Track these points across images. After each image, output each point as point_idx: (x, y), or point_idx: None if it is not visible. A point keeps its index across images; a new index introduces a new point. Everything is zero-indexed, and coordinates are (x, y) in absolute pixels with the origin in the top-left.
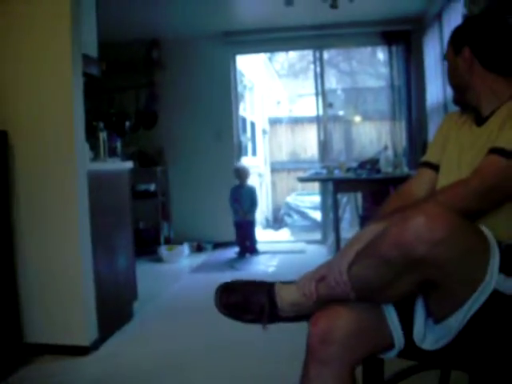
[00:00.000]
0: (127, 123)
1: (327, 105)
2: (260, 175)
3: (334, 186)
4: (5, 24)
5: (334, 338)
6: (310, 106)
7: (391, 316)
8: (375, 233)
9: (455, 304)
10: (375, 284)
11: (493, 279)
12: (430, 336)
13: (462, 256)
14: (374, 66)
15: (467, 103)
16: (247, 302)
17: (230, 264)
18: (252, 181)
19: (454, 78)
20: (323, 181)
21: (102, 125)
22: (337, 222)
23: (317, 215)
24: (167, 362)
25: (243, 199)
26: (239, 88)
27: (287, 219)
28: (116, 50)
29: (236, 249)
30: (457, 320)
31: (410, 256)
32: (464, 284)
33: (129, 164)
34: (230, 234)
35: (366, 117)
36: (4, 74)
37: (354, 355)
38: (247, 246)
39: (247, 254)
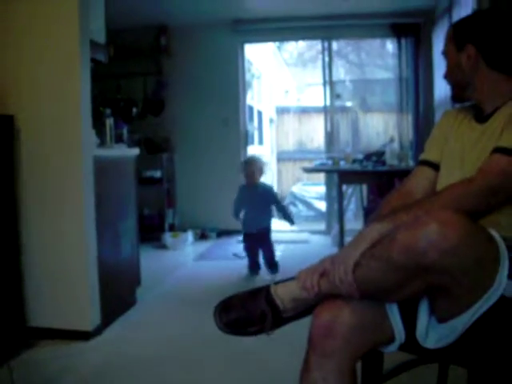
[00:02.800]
0: (134, 110)
1: (335, 95)
2: (266, 164)
3: (340, 177)
4: (11, 10)
5: (337, 331)
6: (317, 96)
7: (394, 313)
8: (381, 233)
9: (461, 307)
10: (382, 286)
11: (501, 286)
12: (432, 334)
13: (472, 264)
14: (382, 57)
15: (466, 100)
16: (247, 314)
17: (234, 253)
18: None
19: (455, 74)
20: (329, 172)
21: (108, 111)
22: (341, 213)
23: (322, 206)
24: (169, 349)
25: (257, 203)
26: (247, 76)
27: (292, 209)
28: (124, 36)
29: (239, 238)
30: (461, 322)
31: (421, 262)
32: (472, 290)
33: (135, 150)
34: (235, 222)
35: (374, 108)
36: (11, 59)
37: (356, 349)
38: (260, 260)
39: (260, 271)
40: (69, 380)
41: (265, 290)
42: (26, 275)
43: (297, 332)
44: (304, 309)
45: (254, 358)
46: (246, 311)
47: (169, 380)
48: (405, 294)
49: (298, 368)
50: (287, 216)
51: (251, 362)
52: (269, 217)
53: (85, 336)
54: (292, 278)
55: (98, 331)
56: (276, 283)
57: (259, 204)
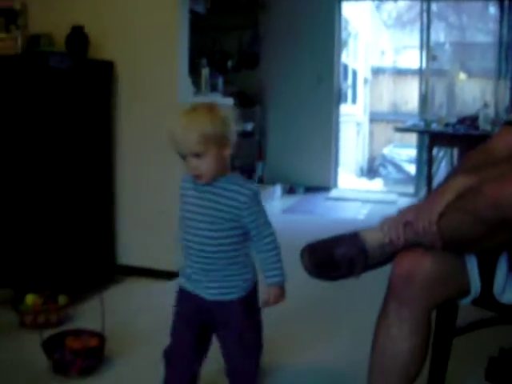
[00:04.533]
0: (229, 63)
1: (431, 57)
2: (358, 124)
3: (430, 139)
4: None
5: (416, 279)
6: (414, 59)
7: (472, 265)
8: (466, 186)
9: None
10: (464, 238)
11: None
12: (510, 290)
13: None
14: (484, 20)
15: None
16: (335, 258)
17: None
18: (350, 130)
19: None
20: (420, 132)
21: (204, 61)
22: (430, 175)
23: (412, 169)
24: None
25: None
26: (343, 35)
27: (382, 170)
28: None
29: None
30: None
31: (506, 217)
32: None
33: (229, 100)
34: (323, 178)
35: (471, 73)
36: (112, 8)
37: (433, 299)
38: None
39: None
40: (152, 314)
41: (353, 236)
42: (117, 215)
43: (377, 278)
44: (388, 256)
45: (333, 304)
46: (334, 255)
47: None
48: (487, 245)
49: (376, 314)
50: None
51: (330, 309)
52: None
53: (170, 275)
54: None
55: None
56: (365, 230)
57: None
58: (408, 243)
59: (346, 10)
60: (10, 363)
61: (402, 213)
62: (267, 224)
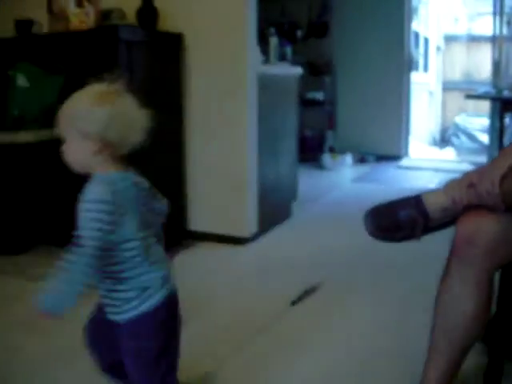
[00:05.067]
0: (298, 32)
1: (506, 23)
2: (430, 93)
3: (501, 106)
4: None
5: (480, 240)
6: (489, 26)
7: None
8: None
9: None
10: None
11: None
12: None
13: None
14: None
15: None
16: (397, 220)
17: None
18: (421, 99)
19: None
20: (491, 99)
21: (273, 30)
22: (501, 143)
23: (485, 138)
24: (320, 256)
25: None
26: (414, 2)
27: (454, 140)
28: None
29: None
30: None
31: None
32: None
33: (298, 69)
34: (394, 148)
35: None
36: None
37: (496, 259)
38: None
39: None
40: (223, 277)
41: (415, 199)
42: (188, 181)
43: (440, 240)
44: (451, 219)
45: (396, 266)
46: (396, 217)
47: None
48: None
49: (439, 276)
50: None
51: (392, 271)
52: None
53: (241, 241)
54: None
55: (253, 238)
56: (427, 193)
57: None
58: (471, 205)
59: None
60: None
61: (466, 175)
62: (83, 239)
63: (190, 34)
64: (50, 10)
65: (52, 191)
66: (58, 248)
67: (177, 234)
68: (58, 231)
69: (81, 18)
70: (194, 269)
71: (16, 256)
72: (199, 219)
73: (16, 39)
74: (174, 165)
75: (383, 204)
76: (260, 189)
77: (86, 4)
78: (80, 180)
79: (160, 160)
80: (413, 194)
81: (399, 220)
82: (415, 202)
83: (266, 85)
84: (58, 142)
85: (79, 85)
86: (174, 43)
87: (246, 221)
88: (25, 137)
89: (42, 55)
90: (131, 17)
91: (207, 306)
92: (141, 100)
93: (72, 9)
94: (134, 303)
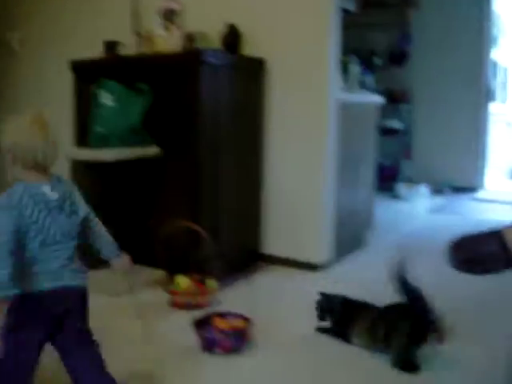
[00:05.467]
0: (378, 60)
1: None
2: (508, 124)
3: None
4: None
5: None
6: None
7: None
8: None
9: None
10: None
11: None
12: None
13: None
14: None
15: None
16: (479, 254)
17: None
18: (499, 130)
19: None
20: None
21: (354, 58)
22: None
23: None
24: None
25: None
26: (493, 31)
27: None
28: None
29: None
30: None
31: None
32: None
33: (378, 98)
34: (470, 179)
35: None
36: (264, 6)
37: None
38: None
39: None
40: (295, 302)
41: (496, 233)
42: (264, 205)
43: None
44: None
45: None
46: (479, 251)
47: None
48: None
49: None
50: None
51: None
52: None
53: (315, 267)
54: None
55: (326, 265)
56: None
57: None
58: None
59: (497, 4)
60: (161, 339)
61: None
62: None
63: (273, 59)
64: (136, 33)
65: (130, 208)
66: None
67: (250, 257)
68: (133, 249)
69: (167, 41)
70: (266, 292)
71: (94, 271)
72: (273, 243)
73: (103, 59)
74: (251, 187)
75: (465, 237)
76: (336, 215)
77: (171, 27)
78: (156, 199)
79: (238, 181)
80: (492, 227)
81: (482, 254)
82: (495, 236)
83: (346, 112)
84: (140, 161)
85: (163, 105)
86: (257, 67)
87: (321, 247)
88: (108, 154)
89: (128, 75)
90: (215, 40)
91: (278, 329)
92: (224, 121)
93: (159, 32)
94: None
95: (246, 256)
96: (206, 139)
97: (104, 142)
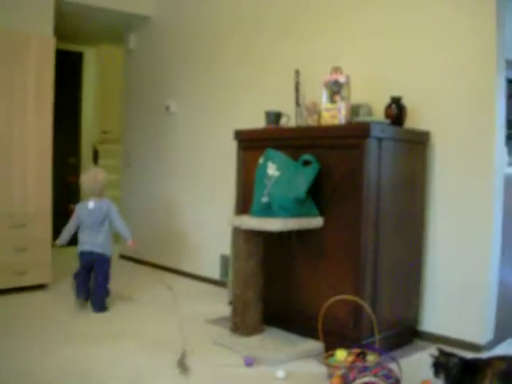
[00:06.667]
0: None
1: None
2: None
3: None
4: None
5: None
6: None
7: None
8: None
9: None
10: None
11: None
12: None
13: None
14: None
15: None
16: None
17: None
18: None
19: None
20: None
21: None
22: None
23: None
24: None
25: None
26: None
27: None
28: None
29: None
30: None
31: None
32: None
33: None
34: None
35: None
36: (428, 80)
37: None
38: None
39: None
40: None
41: None
42: (424, 280)
43: None
44: None
45: None
46: None
47: None
48: None
49: None
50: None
51: None
52: (104, 238)
53: (475, 348)
54: None
55: (489, 346)
56: None
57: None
58: None
59: None
60: None
61: None
62: None
63: (437, 132)
64: (298, 104)
65: (288, 276)
66: (286, 332)
67: (408, 333)
68: (286, 315)
69: (332, 114)
70: (424, 372)
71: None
72: (432, 320)
73: (266, 130)
74: (411, 261)
75: None
76: (499, 294)
77: (337, 99)
78: (316, 269)
79: (398, 255)
80: None
81: None
82: None
83: (510, 186)
84: (303, 232)
85: (329, 177)
86: (421, 140)
87: (483, 327)
88: (275, 225)
89: (292, 146)
90: (379, 112)
91: None
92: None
93: (325, 104)
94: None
95: (403, 331)
96: (368, 211)
97: (268, 211)
